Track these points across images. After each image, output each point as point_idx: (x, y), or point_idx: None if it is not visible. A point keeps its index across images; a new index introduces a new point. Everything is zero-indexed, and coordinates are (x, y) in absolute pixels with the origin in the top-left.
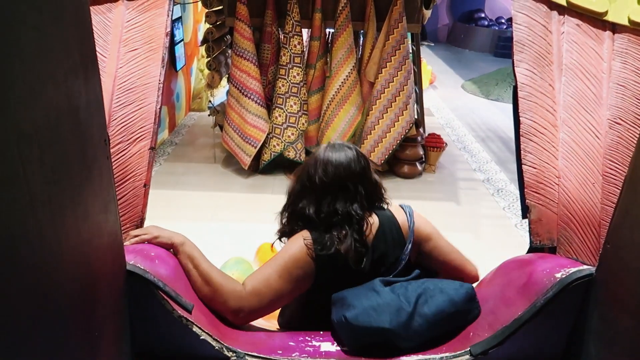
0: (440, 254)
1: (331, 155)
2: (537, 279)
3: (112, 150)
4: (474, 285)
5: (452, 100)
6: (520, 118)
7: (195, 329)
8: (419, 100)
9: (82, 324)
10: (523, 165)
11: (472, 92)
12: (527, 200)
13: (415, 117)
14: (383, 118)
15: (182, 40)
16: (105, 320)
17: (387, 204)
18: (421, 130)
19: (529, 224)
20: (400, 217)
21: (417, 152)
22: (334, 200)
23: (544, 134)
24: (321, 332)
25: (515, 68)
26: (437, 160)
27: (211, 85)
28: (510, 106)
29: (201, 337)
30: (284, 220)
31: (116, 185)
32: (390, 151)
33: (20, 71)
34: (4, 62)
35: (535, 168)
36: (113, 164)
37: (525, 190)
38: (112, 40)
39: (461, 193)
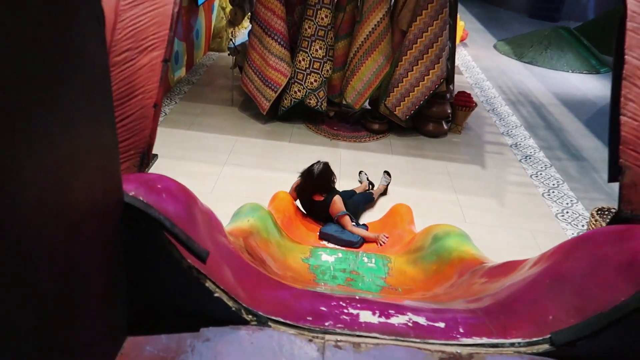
0: None
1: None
2: None
3: (117, 59)
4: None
5: (483, 59)
6: (625, 56)
7: (208, 284)
8: (451, 56)
9: (61, 269)
10: (621, 116)
11: (504, 52)
12: (620, 160)
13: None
14: (413, 70)
15: None
16: (93, 265)
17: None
18: (451, 87)
19: (620, 188)
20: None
21: (444, 110)
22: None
23: None
24: (357, 297)
25: None
26: (465, 121)
27: (233, 22)
28: (543, 70)
29: (215, 295)
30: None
31: (120, 102)
32: (417, 106)
33: None
34: None
35: (637, 120)
36: (117, 76)
37: (621, 147)
38: None
39: (487, 157)
